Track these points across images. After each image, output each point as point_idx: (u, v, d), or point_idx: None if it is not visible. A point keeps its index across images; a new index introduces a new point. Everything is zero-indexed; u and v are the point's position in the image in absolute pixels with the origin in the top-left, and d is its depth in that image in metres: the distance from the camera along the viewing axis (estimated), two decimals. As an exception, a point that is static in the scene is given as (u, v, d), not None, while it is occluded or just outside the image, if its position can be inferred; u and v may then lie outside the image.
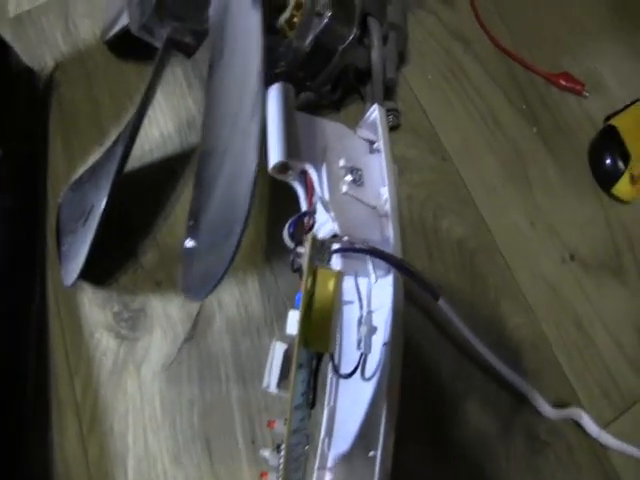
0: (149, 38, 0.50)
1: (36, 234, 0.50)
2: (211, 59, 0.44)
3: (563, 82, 0.57)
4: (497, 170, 0.53)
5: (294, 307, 0.36)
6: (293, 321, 0.36)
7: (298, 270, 0.40)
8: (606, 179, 0.52)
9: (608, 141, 0.53)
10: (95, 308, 0.49)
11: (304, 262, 0.36)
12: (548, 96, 0.57)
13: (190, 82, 0.58)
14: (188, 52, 0.50)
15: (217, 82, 0.41)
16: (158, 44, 0.50)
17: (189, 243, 0.40)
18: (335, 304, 0.35)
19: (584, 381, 0.46)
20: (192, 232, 0.40)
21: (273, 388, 0.36)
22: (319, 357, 0.36)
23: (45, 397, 0.46)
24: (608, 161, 0.51)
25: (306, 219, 0.42)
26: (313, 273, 0.35)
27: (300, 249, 0.38)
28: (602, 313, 0.48)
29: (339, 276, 0.35)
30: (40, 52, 0.60)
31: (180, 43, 0.48)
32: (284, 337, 0.45)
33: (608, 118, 0.55)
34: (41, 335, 0.48)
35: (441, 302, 0.40)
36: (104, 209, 0.44)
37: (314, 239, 0.37)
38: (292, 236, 0.40)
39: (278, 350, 0.38)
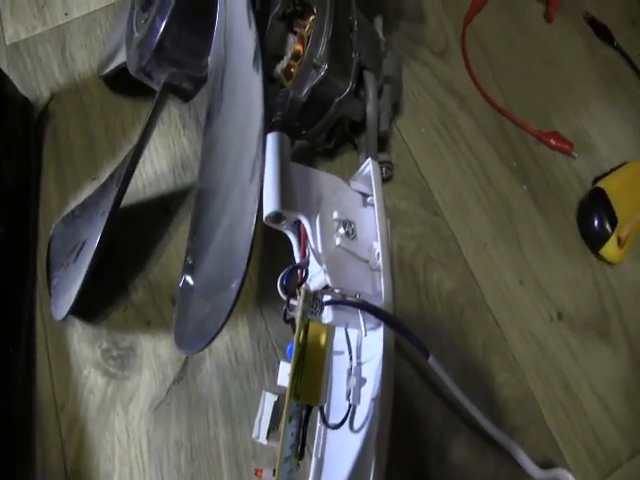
0: (147, 81, 0.50)
1: (27, 264, 0.49)
2: (209, 106, 0.44)
3: (553, 141, 0.58)
4: (487, 227, 0.54)
5: (285, 358, 0.36)
6: (284, 373, 0.36)
7: (290, 321, 0.40)
8: (594, 241, 0.53)
9: (596, 203, 0.53)
10: (84, 344, 0.48)
11: (297, 316, 0.36)
12: (538, 154, 0.58)
13: (185, 122, 0.58)
14: (185, 97, 0.50)
15: (214, 132, 0.41)
16: (156, 87, 0.50)
17: (186, 281, 0.39)
18: (326, 358, 0.35)
19: (570, 441, 0.46)
20: (189, 272, 0.39)
21: (263, 439, 0.36)
22: (309, 408, 0.35)
23: (29, 431, 0.45)
24: (596, 223, 0.52)
25: (299, 271, 0.42)
26: (305, 326, 0.35)
27: (293, 302, 0.38)
28: (589, 374, 0.48)
29: (330, 330, 0.36)
30: (35, 82, 0.60)
31: (178, 88, 0.48)
32: (273, 386, 0.45)
33: (596, 180, 0.56)
34: (28, 367, 0.47)
35: (431, 360, 0.40)
36: (97, 247, 0.43)
37: (307, 293, 0.37)
38: (285, 288, 0.40)
39: (268, 401, 0.37)
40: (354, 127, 0.55)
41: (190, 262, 0.39)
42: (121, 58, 0.57)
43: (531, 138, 0.59)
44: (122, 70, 0.55)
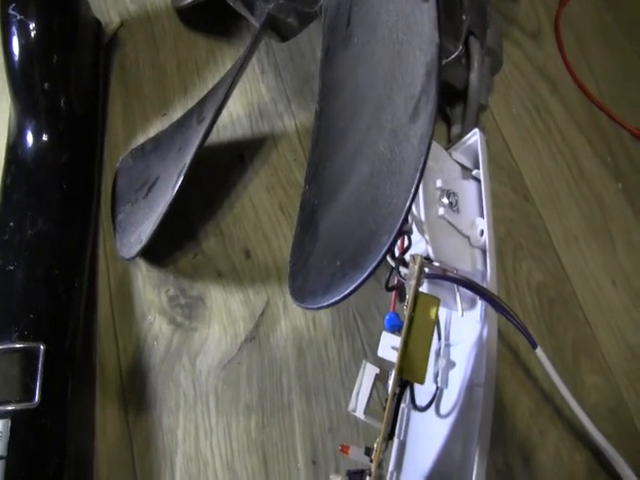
0: (243, 10, 0.46)
1: (92, 195, 0.45)
2: (327, 45, 0.40)
3: (652, 142, 0.55)
4: (579, 220, 0.50)
5: (385, 329, 0.33)
6: (386, 344, 0.33)
7: (393, 289, 0.37)
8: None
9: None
10: (149, 287, 0.44)
11: (410, 286, 0.33)
12: (635, 153, 0.55)
13: (263, 68, 0.54)
14: (286, 34, 0.46)
15: (340, 70, 0.37)
16: (252, 20, 0.46)
17: (307, 229, 0.35)
18: (433, 334, 0.33)
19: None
20: (310, 221, 0.35)
21: (360, 413, 0.33)
22: (404, 385, 0.33)
23: (89, 372, 0.41)
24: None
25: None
26: (414, 297, 0.32)
27: (404, 270, 0.35)
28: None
29: (440, 304, 0.32)
30: (105, 6, 0.55)
31: (281, 23, 0.44)
32: (352, 356, 0.42)
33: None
34: (90, 305, 0.42)
35: (539, 351, 0.37)
36: (180, 186, 0.39)
37: (422, 262, 0.33)
38: (392, 253, 0.37)
39: (368, 372, 0.34)
40: (447, 95, 0.51)
41: (312, 209, 0.35)
42: (203, -11, 0.53)
43: (627, 135, 0.56)
44: (201, 5, 0.51)
